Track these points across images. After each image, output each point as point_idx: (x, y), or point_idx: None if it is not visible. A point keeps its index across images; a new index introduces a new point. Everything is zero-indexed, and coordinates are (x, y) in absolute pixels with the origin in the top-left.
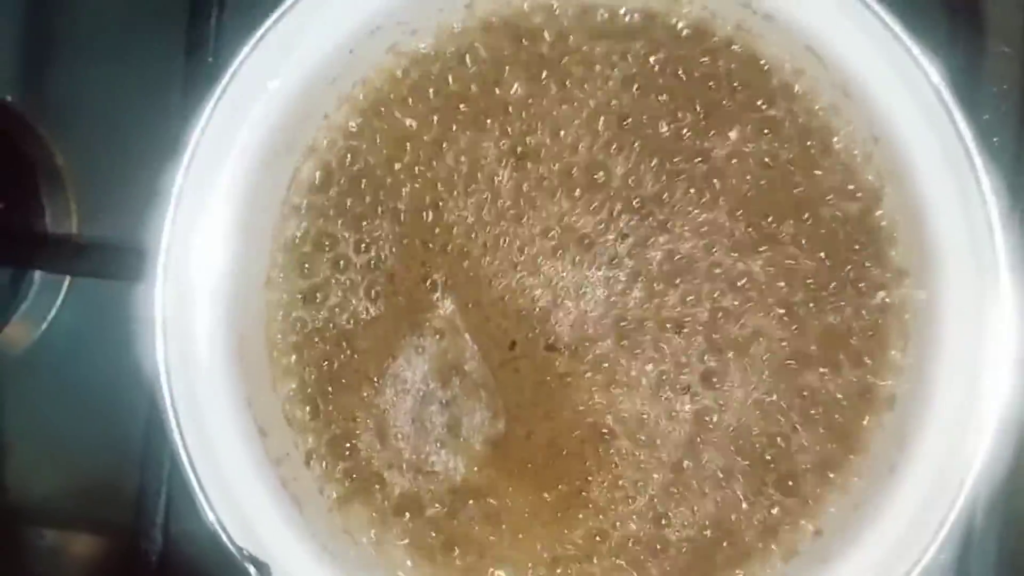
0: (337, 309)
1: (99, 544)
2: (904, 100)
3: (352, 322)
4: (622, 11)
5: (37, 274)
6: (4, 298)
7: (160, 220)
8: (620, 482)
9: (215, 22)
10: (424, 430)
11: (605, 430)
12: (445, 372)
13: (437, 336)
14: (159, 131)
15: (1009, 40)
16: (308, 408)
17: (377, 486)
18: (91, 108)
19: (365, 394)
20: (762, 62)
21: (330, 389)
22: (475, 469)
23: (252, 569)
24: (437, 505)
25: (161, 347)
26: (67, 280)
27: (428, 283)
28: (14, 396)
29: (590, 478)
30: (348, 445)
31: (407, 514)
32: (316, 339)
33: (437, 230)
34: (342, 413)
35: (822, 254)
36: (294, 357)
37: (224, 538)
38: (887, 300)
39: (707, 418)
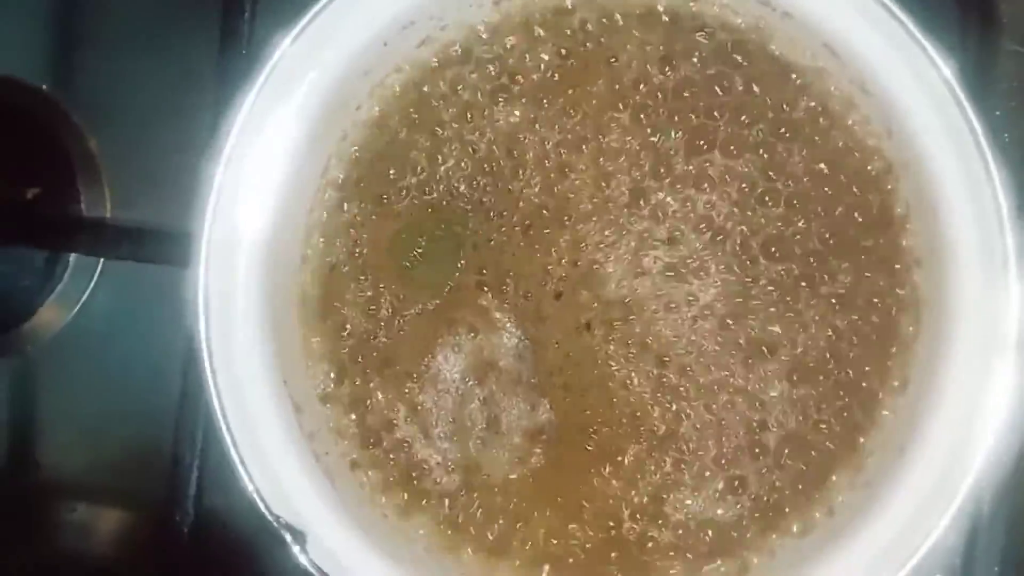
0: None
1: (131, 517)
2: (918, 96)
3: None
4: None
5: (71, 257)
6: (39, 281)
7: (202, 206)
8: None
9: (248, 14)
10: (464, 428)
11: (654, 423)
12: (481, 369)
13: (472, 334)
14: (191, 118)
15: (1021, 39)
16: (346, 400)
17: (414, 475)
18: (125, 95)
19: (405, 388)
20: (777, 53)
21: (367, 377)
22: (517, 463)
23: (288, 537)
24: (474, 495)
25: (203, 327)
26: (100, 263)
27: (465, 275)
28: (49, 377)
29: (632, 461)
30: (384, 435)
31: (444, 501)
32: (348, 330)
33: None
34: (380, 405)
35: (834, 239)
36: (325, 341)
37: (262, 506)
38: (899, 291)
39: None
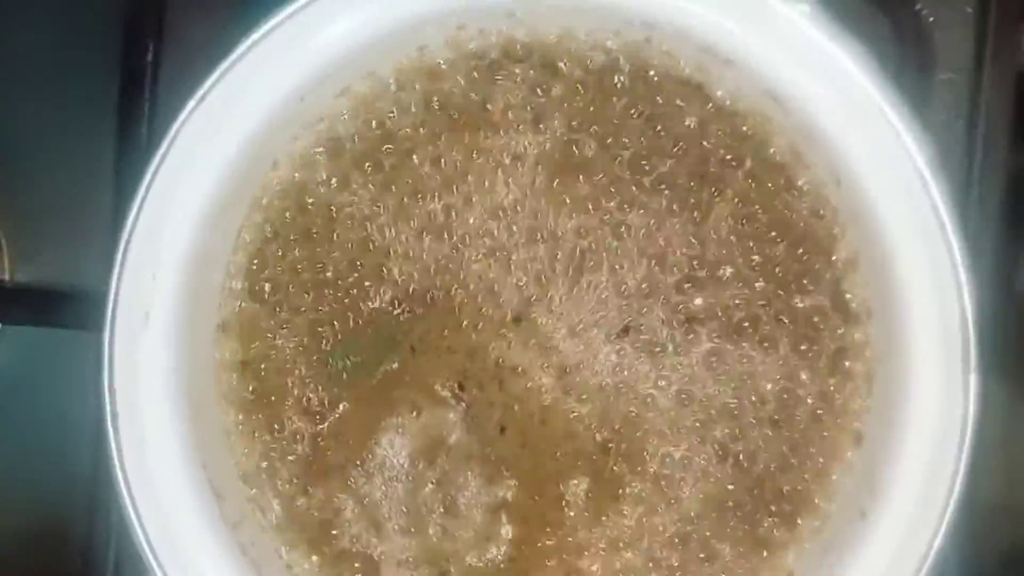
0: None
1: None
2: (862, 141)
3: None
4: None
5: None
6: None
7: (109, 273)
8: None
9: (151, 59)
10: (420, 515)
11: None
12: (430, 450)
13: (414, 412)
14: (92, 172)
15: (954, 66)
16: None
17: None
18: (22, 140)
19: (349, 480)
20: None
21: (302, 473)
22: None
23: None
24: None
25: (108, 404)
26: None
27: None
28: None
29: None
30: (333, 533)
31: None
32: (275, 425)
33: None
34: (319, 501)
35: (779, 289)
36: (247, 426)
37: None
38: (847, 339)
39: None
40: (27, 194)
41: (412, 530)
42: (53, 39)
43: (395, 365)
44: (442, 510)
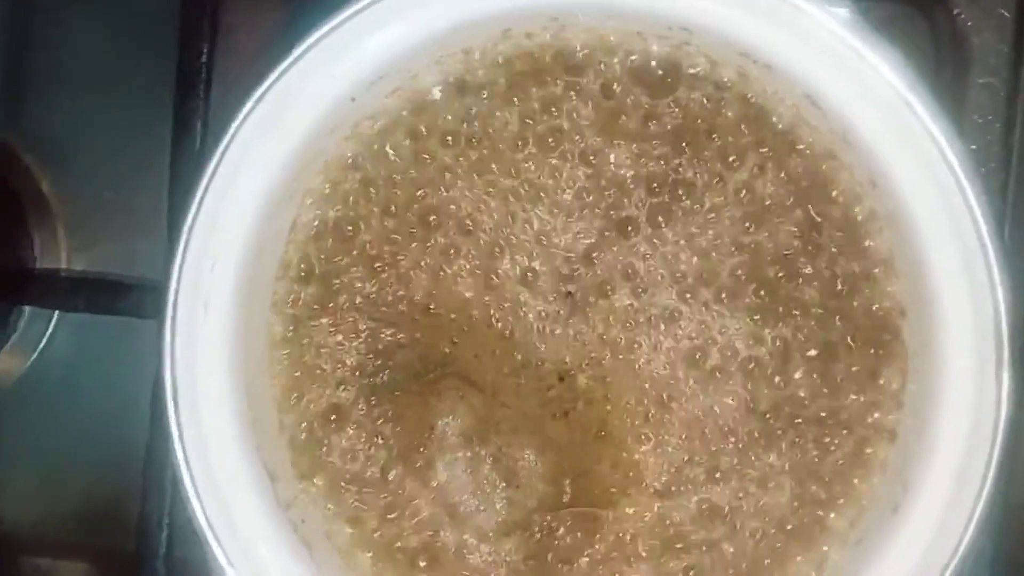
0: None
1: (100, 573)
2: (897, 144)
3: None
4: (620, 57)
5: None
6: None
7: (162, 263)
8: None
9: (206, 57)
10: (484, 492)
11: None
12: (481, 430)
13: (461, 395)
14: (147, 168)
15: (991, 70)
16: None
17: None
18: (79, 136)
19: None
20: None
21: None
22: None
23: None
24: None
25: (170, 389)
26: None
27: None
28: (7, 428)
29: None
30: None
31: None
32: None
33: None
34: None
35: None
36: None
37: None
38: (886, 329)
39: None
40: (84, 188)
41: (476, 505)
42: (111, 41)
43: (446, 349)
44: (504, 484)
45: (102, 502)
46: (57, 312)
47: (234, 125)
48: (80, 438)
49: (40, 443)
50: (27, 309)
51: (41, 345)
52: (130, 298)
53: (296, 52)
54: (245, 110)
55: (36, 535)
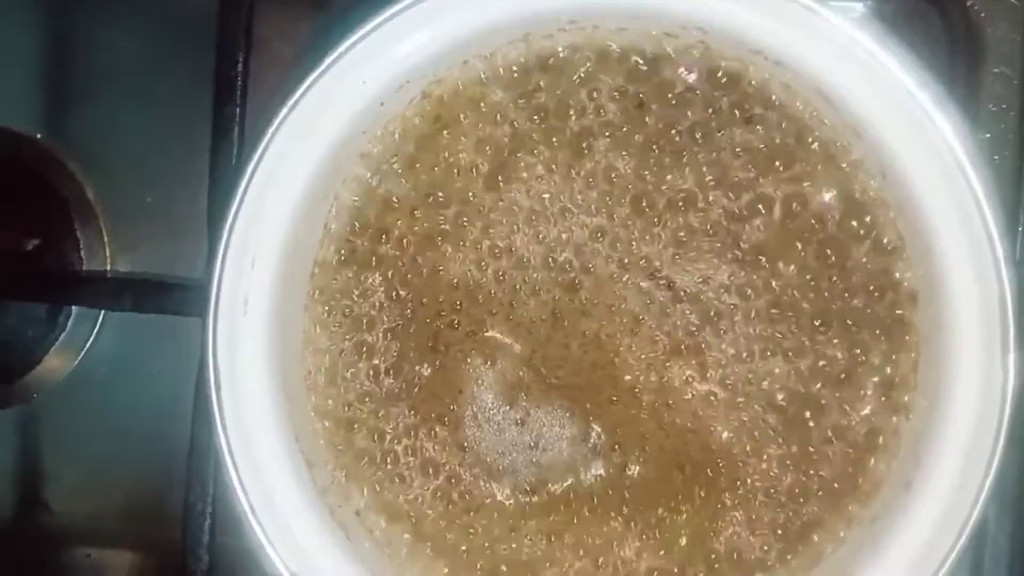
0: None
1: (145, 562)
2: (906, 137)
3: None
4: (636, 56)
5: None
6: (42, 330)
7: (205, 254)
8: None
9: (242, 65)
10: (516, 453)
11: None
12: (511, 393)
13: (488, 363)
14: (186, 172)
15: (1005, 60)
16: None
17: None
18: (121, 143)
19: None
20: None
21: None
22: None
23: None
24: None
25: (213, 381)
26: (102, 311)
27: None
28: (56, 424)
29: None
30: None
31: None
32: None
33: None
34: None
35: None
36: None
37: (279, 564)
38: (899, 313)
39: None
40: (126, 192)
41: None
42: (149, 50)
43: (484, 332)
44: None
45: (147, 494)
46: (103, 313)
47: (271, 130)
48: (126, 433)
49: (88, 438)
50: (74, 310)
51: (88, 344)
52: (173, 297)
53: (328, 60)
54: (281, 116)
55: (85, 526)
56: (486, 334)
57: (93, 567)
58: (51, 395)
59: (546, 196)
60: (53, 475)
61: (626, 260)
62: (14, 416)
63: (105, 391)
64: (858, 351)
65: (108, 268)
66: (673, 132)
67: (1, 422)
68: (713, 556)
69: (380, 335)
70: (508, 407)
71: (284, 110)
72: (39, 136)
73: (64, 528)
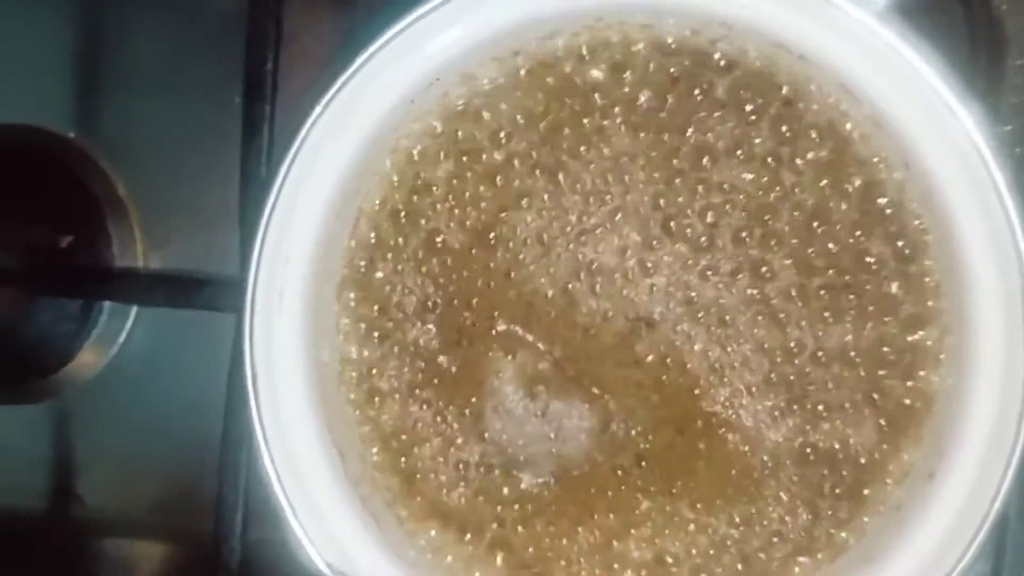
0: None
1: (178, 553)
2: (928, 130)
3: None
4: (662, 50)
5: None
6: (76, 326)
7: (238, 250)
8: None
9: (271, 62)
10: (536, 444)
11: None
12: (530, 385)
13: (508, 356)
14: (217, 169)
15: None
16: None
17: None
18: (151, 139)
19: (458, 424)
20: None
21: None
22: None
23: None
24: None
25: (250, 374)
26: (135, 307)
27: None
28: (90, 418)
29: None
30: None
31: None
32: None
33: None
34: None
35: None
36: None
37: (315, 555)
38: (921, 304)
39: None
40: (158, 189)
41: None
42: (179, 45)
43: (501, 327)
44: (554, 436)
45: (180, 487)
46: (135, 308)
47: (305, 128)
48: (158, 427)
49: (121, 432)
50: (107, 306)
51: (121, 340)
52: (205, 293)
53: (360, 59)
54: (315, 114)
55: (118, 519)
56: (508, 329)
57: (126, 559)
58: (84, 390)
59: (550, 194)
60: (86, 469)
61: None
62: (48, 411)
63: (138, 386)
64: (880, 343)
65: (140, 264)
66: (695, 129)
67: (35, 417)
68: (738, 550)
69: (409, 330)
70: (529, 399)
71: (318, 109)
72: (71, 135)
73: (97, 521)
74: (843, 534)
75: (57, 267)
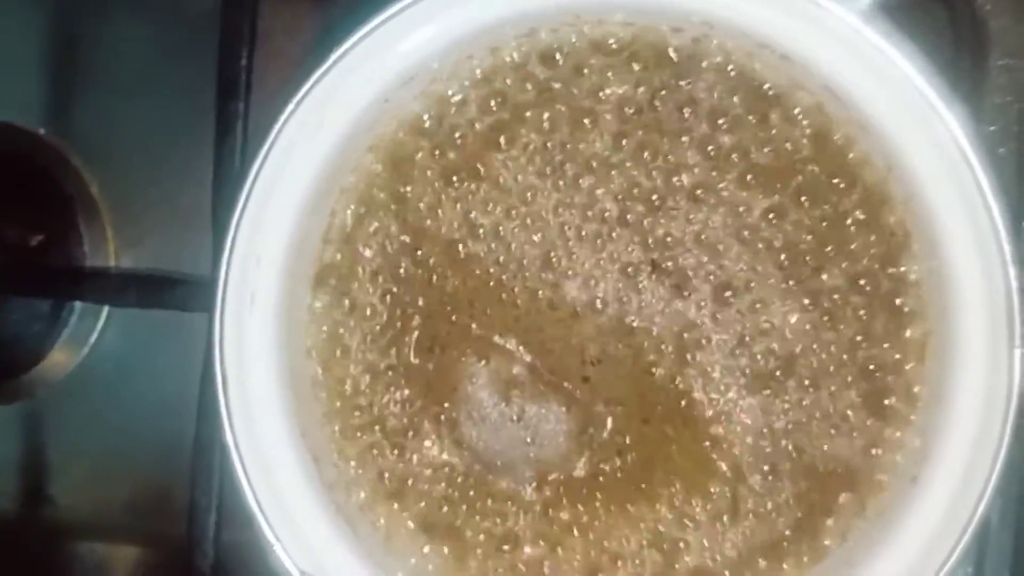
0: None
1: (150, 556)
2: (911, 131)
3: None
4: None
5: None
6: (46, 326)
7: (209, 249)
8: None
9: (246, 60)
10: (513, 451)
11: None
12: (505, 391)
13: (483, 362)
14: (189, 168)
15: (1010, 52)
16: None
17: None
18: (124, 138)
19: (435, 427)
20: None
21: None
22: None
23: None
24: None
25: (220, 378)
26: (106, 307)
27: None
28: (61, 419)
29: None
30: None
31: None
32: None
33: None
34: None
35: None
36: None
37: (286, 560)
38: (905, 306)
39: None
40: (130, 188)
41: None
42: (153, 46)
43: (473, 326)
44: (530, 440)
45: (152, 489)
46: (107, 309)
47: (277, 125)
48: (131, 428)
49: (93, 433)
50: (78, 305)
51: (92, 340)
52: (177, 293)
53: (333, 57)
54: (287, 111)
55: (90, 520)
56: (483, 333)
57: (98, 562)
58: (56, 390)
59: (534, 193)
60: (58, 470)
61: (631, 248)
62: (19, 411)
63: (110, 386)
64: (864, 344)
65: (112, 264)
66: (682, 123)
67: (6, 417)
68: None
69: (383, 330)
70: (504, 403)
71: (290, 106)
72: (42, 132)
73: (69, 523)
74: (826, 540)
75: (27, 266)
